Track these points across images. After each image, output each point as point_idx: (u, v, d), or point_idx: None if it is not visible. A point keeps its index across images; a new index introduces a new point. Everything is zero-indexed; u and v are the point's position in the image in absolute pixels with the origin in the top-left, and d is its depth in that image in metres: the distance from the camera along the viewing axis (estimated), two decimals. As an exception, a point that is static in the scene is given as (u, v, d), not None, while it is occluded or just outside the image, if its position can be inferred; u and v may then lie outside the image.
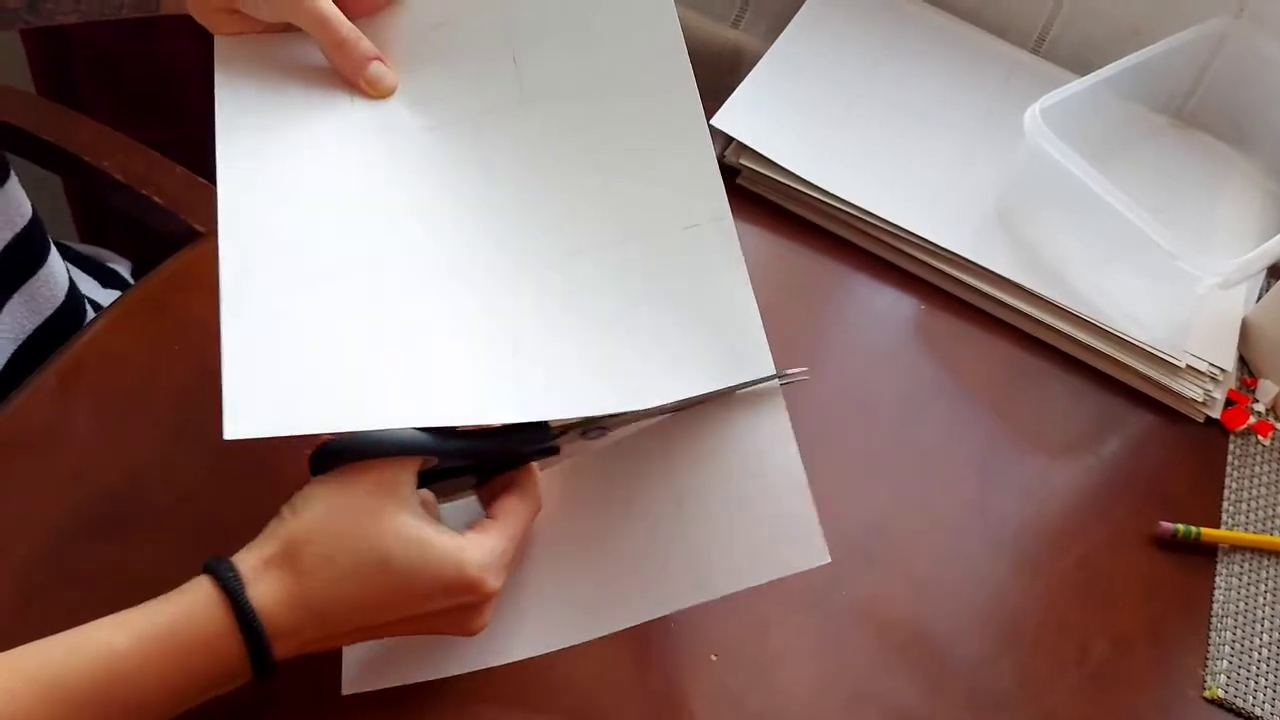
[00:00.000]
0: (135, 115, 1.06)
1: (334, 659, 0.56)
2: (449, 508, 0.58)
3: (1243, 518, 0.74)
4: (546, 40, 0.61)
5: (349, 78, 0.60)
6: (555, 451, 0.55)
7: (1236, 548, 0.72)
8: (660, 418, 0.57)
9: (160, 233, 0.87)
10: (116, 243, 0.98)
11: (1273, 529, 0.74)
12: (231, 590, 0.48)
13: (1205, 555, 0.72)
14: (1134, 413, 0.79)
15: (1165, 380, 0.79)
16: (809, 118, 0.87)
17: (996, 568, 0.70)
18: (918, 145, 0.88)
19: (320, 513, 0.50)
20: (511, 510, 0.54)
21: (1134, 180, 0.77)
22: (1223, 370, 0.79)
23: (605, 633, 0.57)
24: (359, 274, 0.55)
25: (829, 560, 0.55)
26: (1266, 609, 0.70)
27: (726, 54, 0.98)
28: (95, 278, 0.89)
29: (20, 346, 0.76)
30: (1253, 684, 0.67)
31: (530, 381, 0.55)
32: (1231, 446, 0.78)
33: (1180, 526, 0.71)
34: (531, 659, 0.57)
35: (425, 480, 0.53)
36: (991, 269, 0.81)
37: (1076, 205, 0.79)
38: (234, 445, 0.65)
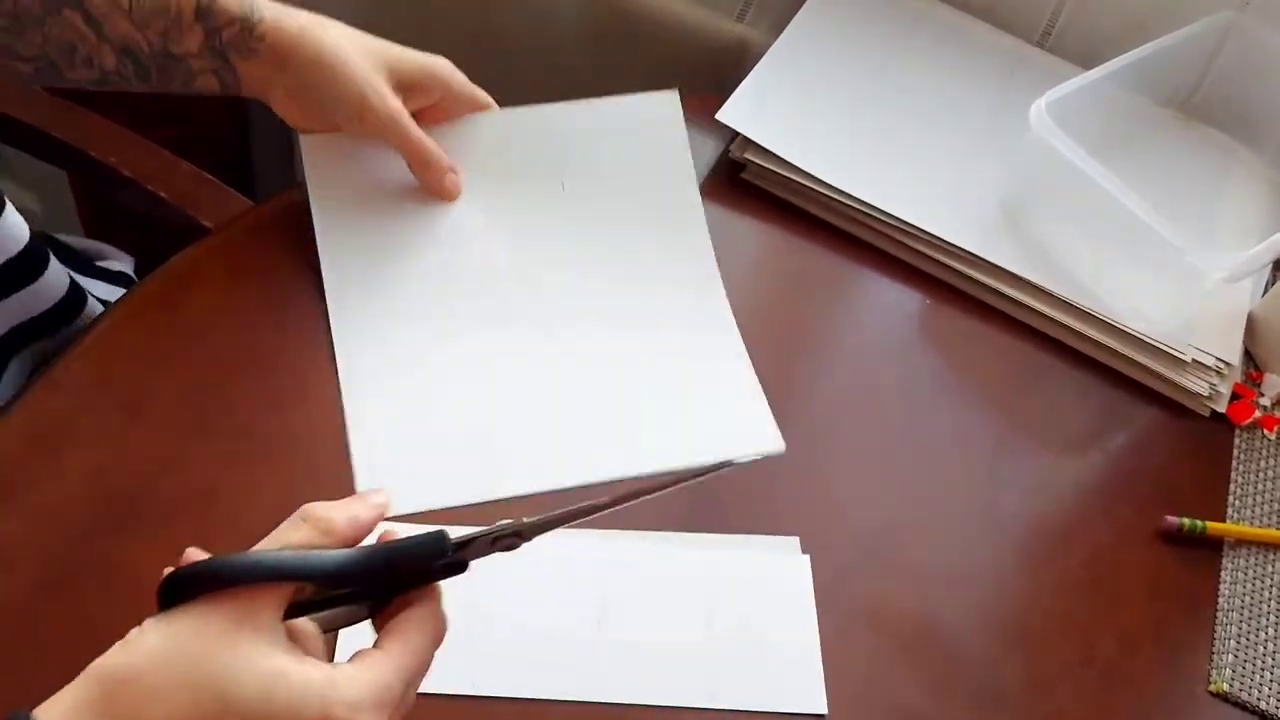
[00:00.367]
0: (143, 111, 1.06)
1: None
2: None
3: (1248, 512, 0.74)
4: (591, 177, 0.78)
5: (429, 186, 0.74)
6: (462, 568, 0.47)
7: (1242, 542, 0.73)
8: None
9: (167, 228, 0.88)
10: (122, 238, 0.98)
11: (1278, 523, 0.74)
12: None
13: (1210, 549, 0.72)
14: (1139, 407, 0.79)
15: (1171, 374, 0.79)
16: (814, 112, 0.87)
17: (1003, 564, 0.70)
18: (923, 139, 0.88)
19: (154, 645, 0.42)
20: (402, 637, 0.45)
21: (1140, 174, 0.77)
22: (1228, 364, 0.79)
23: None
24: (452, 364, 0.70)
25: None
26: (1272, 602, 0.70)
27: (731, 48, 0.98)
28: (96, 278, 0.89)
29: (12, 331, 0.77)
30: (1258, 677, 0.67)
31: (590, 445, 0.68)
32: (1237, 441, 0.78)
33: (1186, 520, 0.72)
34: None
35: (306, 610, 0.46)
36: (997, 263, 0.81)
37: (1082, 199, 0.79)
38: (245, 441, 0.66)
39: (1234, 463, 0.77)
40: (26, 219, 0.77)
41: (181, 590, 0.43)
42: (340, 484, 0.64)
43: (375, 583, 0.46)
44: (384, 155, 0.74)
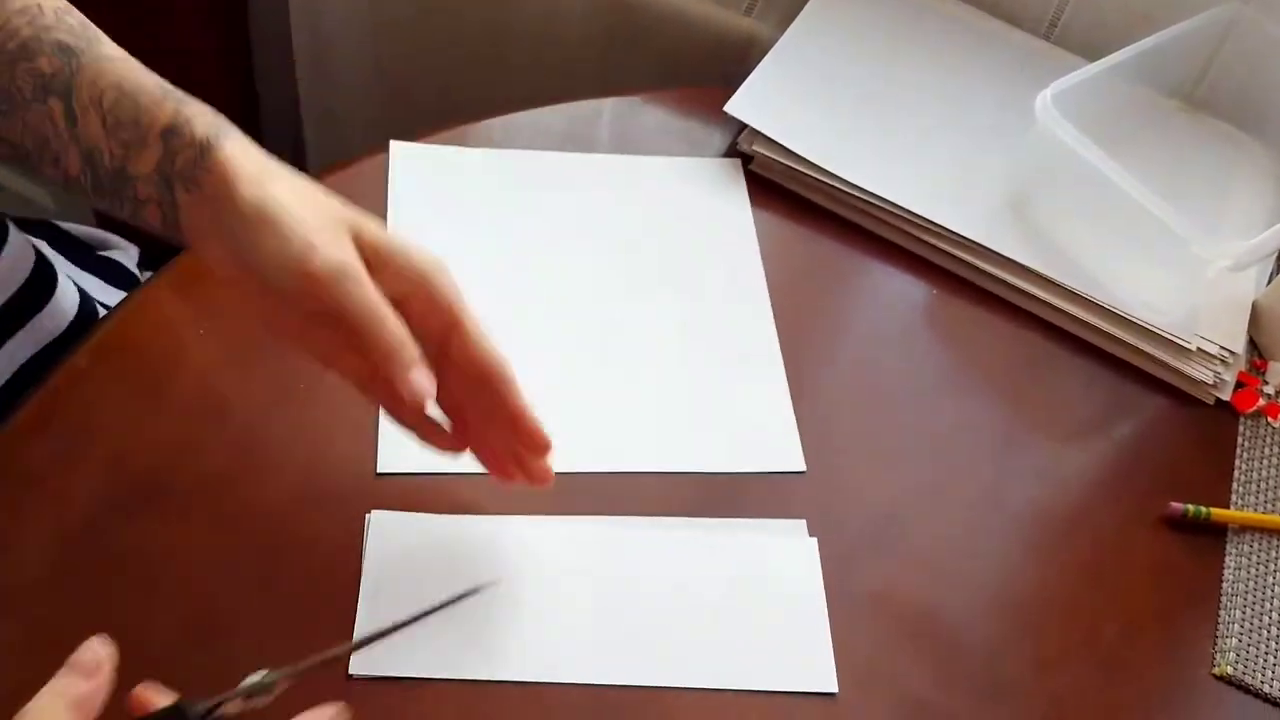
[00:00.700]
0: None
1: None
2: None
3: (1252, 498, 0.75)
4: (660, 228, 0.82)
5: (390, 375, 0.56)
6: None
7: (1246, 528, 0.73)
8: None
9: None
10: (133, 230, 0.99)
11: (1282, 510, 0.74)
12: None
13: (1215, 536, 0.73)
14: (1144, 396, 0.80)
15: (1175, 363, 0.79)
16: (821, 104, 0.88)
17: (1008, 552, 0.71)
18: (929, 131, 0.89)
19: None
20: None
21: (1145, 164, 0.78)
22: (1233, 353, 0.80)
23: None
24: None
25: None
26: (1276, 587, 0.71)
27: (739, 42, 0.99)
28: (99, 276, 0.89)
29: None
30: (1262, 661, 0.68)
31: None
32: (1241, 429, 0.79)
33: (1190, 507, 0.72)
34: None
35: None
36: (1003, 253, 0.82)
37: (1087, 189, 0.79)
38: (262, 427, 0.67)
39: (1238, 450, 0.77)
40: (37, 211, 0.77)
41: None
42: (361, 466, 0.66)
43: None
44: (468, 164, 0.78)
